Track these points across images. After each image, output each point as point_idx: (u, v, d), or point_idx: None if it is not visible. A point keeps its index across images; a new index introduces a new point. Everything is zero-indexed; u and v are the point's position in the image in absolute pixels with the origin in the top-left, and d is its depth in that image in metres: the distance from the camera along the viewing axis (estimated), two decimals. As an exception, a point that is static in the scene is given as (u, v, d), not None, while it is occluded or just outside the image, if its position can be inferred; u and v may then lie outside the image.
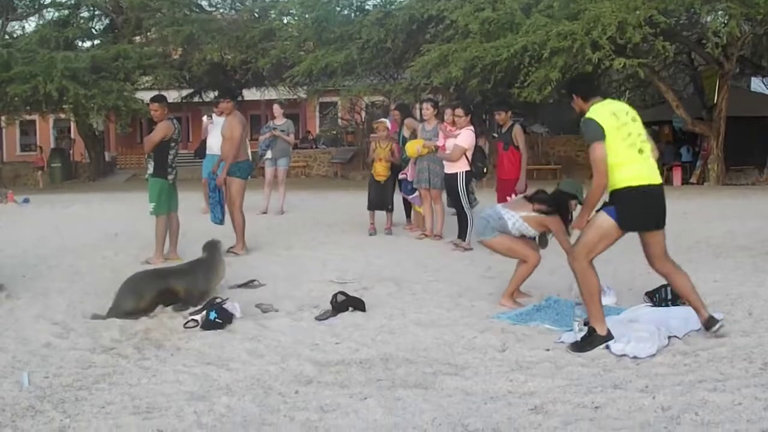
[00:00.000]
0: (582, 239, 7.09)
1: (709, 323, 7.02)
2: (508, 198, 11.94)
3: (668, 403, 5.42)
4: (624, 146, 6.85)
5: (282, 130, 17.92)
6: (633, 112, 7.11)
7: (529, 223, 8.63)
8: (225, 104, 12.76)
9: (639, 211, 6.95)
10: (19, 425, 5.50)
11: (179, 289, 9.02)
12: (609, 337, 6.83)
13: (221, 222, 13.01)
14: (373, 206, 14.49)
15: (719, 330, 6.98)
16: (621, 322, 7.45)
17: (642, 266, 9.75)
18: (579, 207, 8.01)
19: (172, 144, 11.93)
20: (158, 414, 5.59)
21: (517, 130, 12.40)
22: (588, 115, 7.04)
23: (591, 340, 6.83)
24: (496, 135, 13.69)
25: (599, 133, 6.81)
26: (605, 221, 6.94)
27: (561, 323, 7.64)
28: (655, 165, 7.07)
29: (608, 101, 7.20)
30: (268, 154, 17.57)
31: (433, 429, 5.15)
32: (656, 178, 7.01)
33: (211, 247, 9.69)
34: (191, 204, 17.79)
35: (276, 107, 18.51)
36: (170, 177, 11.95)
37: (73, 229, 16.86)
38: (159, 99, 12.11)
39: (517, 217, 8.64)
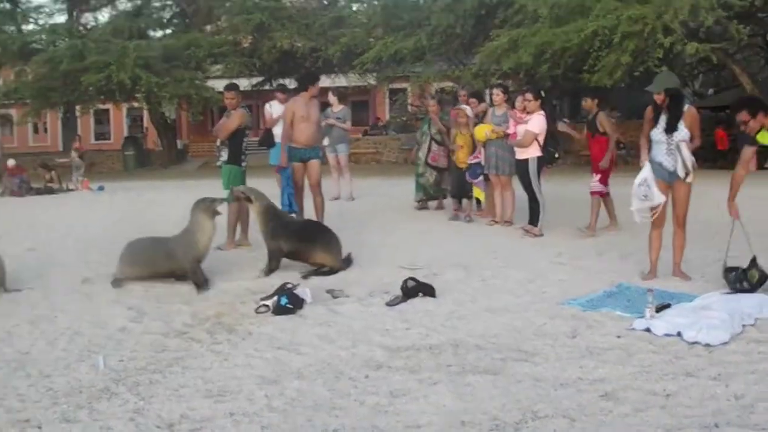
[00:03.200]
0: None
1: None
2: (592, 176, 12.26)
3: (742, 392, 5.37)
4: None
5: (338, 117, 18.05)
6: None
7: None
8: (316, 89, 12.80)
9: None
10: (95, 407, 5.61)
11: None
12: None
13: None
14: (455, 194, 14.54)
15: None
16: (693, 309, 7.38)
17: (716, 253, 9.65)
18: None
19: (246, 132, 12.00)
20: (230, 397, 5.66)
21: (601, 117, 12.45)
22: None
23: None
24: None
25: None
26: None
27: (632, 310, 7.57)
28: None
29: None
30: (325, 141, 17.63)
31: (502, 415, 5.15)
32: None
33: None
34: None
35: (330, 95, 18.59)
36: (243, 164, 12.03)
37: (146, 215, 17.08)
38: (234, 87, 12.19)
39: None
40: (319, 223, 11.55)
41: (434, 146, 15.15)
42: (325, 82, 39.05)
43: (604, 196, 12.63)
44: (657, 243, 9.15)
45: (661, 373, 5.78)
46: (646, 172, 8.95)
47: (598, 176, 12.50)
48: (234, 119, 11.87)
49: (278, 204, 12.51)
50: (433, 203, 16.14)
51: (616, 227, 12.61)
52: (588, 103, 12.82)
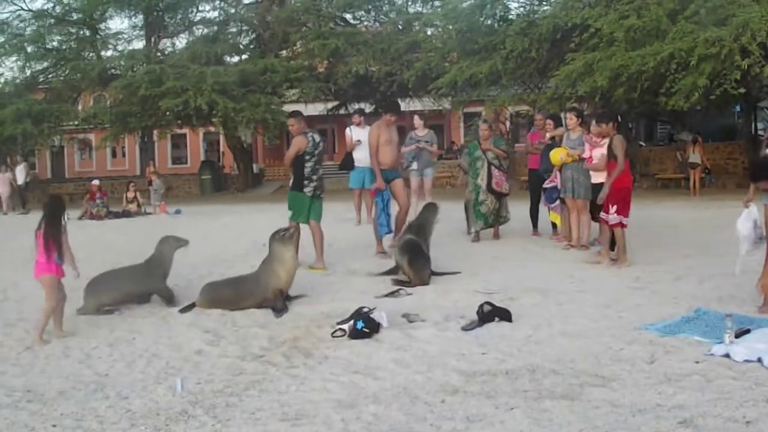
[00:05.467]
0: None
1: None
2: (609, 207, 11.70)
3: (824, 418, 5.28)
4: None
5: (426, 141, 17.95)
6: None
7: None
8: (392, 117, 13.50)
9: None
10: (173, 429, 5.70)
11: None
12: None
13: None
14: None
15: None
16: (774, 334, 7.27)
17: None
18: None
19: (307, 157, 12.24)
20: (306, 421, 5.70)
21: (617, 140, 11.99)
22: None
23: None
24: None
25: None
26: None
27: (711, 335, 7.47)
28: None
29: None
30: (414, 165, 17.61)
31: (580, 440, 5.13)
32: None
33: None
34: (338, 215, 18.01)
35: (416, 118, 18.52)
36: (307, 190, 12.26)
37: (223, 239, 17.24)
38: (294, 114, 12.61)
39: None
40: (417, 242, 11.73)
41: (495, 171, 14.66)
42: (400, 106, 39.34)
43: (624, 227, 11.93)
44: None
45: (741, 400, 5.70)
46: (755, 213, 8.70)
47: (615, 206, 11.74)
48: (292, 147, 12.39)
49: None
50: (487, 232, 15.30)
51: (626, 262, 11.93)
52: (604, 128, 12.41)
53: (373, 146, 13.28)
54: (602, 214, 12.01)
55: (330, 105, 42.18)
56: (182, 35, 43.00)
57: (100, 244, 17.57)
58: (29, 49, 39.44)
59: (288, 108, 35.13)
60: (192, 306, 9.93)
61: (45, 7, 40.55)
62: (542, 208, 14.96)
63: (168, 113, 35.12)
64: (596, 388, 6.11)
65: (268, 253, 10.06)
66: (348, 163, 17.34)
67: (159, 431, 5.70)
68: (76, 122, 40.80)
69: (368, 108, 34.88)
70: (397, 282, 11.04)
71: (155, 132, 42.44)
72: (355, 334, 8.06)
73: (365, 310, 8.58)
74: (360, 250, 13.92)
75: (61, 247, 8.73)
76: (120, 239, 18.84)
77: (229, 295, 9.98)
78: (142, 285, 10.39)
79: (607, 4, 25.71)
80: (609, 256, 12.15)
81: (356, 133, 17.17)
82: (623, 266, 11.71)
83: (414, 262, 11.20)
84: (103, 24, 42.11)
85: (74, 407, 6.27)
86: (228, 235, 18.21)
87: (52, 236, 8.69)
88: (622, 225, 11.78)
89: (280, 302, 9.62)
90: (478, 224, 14.95)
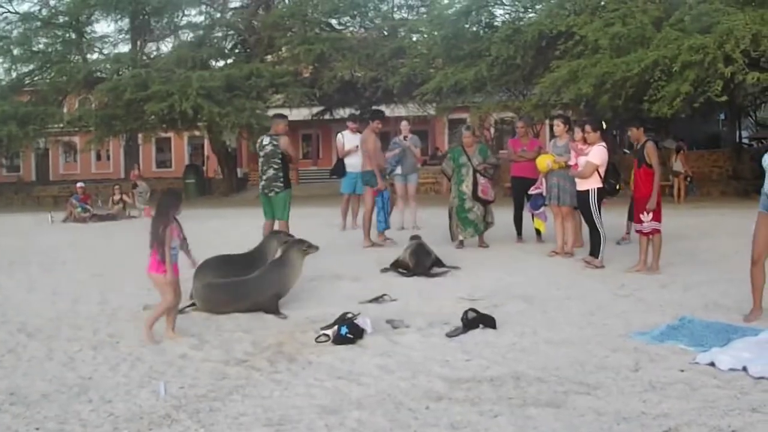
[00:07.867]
0: None
1: None
2: (641, 216, 11.69)
3: (809, 428, 5.28)
4: None
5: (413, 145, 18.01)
6: None
7: None
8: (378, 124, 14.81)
9: None
10: (156, 433, 5.66)
11: None
12: None
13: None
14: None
15: None
16: (759, 343, 7.25)
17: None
18: None
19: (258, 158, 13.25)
20: (290, 426, 5.66)
21: (650, 147, 12.01)
22: None
23: None
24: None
25: None
26: None
27: (696, 343, 7.48)
28: None
29: None
30: (398, 170, 17.57)
31: (564, 448, 5.11)
32: None
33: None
34: (325, 219, 17.97)
35: (404, 123, 18.51)
36: (260, 187, 13.33)
37: (208, 243, 17.18)
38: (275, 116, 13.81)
39: None
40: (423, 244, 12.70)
41: (480, 179, 14.48)
42: (384, 112, 39.51)
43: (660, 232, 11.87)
44: (760, 280, 8.58)
45: (726, 409, 5.69)
46: None
47: (651, 214, 11.68)
48: None
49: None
50: (473, 240, 15.00)
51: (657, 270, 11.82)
52: (635, 132, 12.46)
53: (371, 151, 14.15)
54: (636, 225, 12.01)
55: (315, 110, 42.22)
56: (168, 39, 43.11)
57: (82, 247, 17.53)
58: (15, 52, 39.40)
59: (273, 113, 35.34)
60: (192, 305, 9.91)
61: (31, 10, 40.63)
62: (526, 215, 14.94)
63: (153, 117, 35.10)
64: (581, 396, 6.10)
65: (281, 257, 10.20)
66: (339, 169, 17.30)
67: (142, 436, 5.69)
68: (62, 125, 40.72)
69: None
70: (395, 266, 12.38)
71: (140, 135, 42.42)
72: (339, 340, 8.03)
73: (349, 315, 8.54)
74: (345, 255, 13.91)
75: (161, 244, 8.41)
76: (101, 242, 18.79)
77: (222, 297, 9.92)
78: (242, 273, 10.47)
79: (593, 11, 25.85)
80: (595, 262, 12.19)
81: (348, 139, 17.09)
82: (654, 273, 11.63)
83: (417, 259, 12.25)
84: (89, 27, 42.19)
85: (57, 410, 6.23)
86: (214, 239, 18.15)
87: (152, 233, 8.47)
88: (659, 231, 11.77)
89: (275, 307, 9.65)
90: (468, 232, 14.72)
